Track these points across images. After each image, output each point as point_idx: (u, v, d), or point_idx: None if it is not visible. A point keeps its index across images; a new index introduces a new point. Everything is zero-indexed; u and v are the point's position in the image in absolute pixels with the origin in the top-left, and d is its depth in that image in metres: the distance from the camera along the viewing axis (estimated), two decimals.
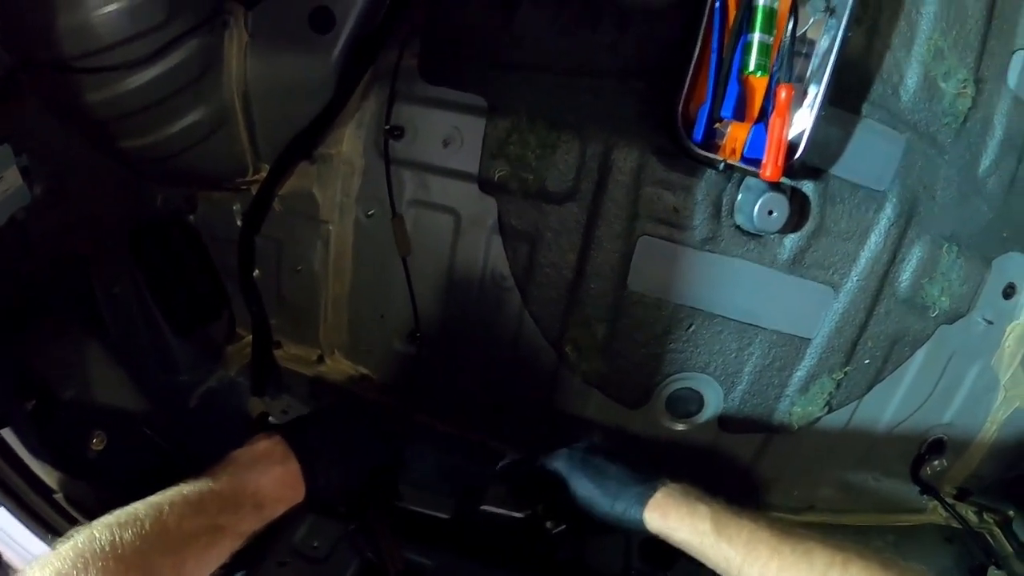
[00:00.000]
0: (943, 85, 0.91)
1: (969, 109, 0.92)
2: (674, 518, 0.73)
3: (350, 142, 0.91)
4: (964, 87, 0.91)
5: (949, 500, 1.16)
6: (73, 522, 0.74)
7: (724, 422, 1.01)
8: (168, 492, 0.62)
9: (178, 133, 0.87)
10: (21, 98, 0.78)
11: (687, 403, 1.00)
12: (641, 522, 0.75)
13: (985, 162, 0.95)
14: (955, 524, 1.14)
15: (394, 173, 0.89)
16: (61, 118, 0.82)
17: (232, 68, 0.87)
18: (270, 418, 0.95)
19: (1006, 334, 1.07)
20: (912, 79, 0.89)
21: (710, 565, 0.71)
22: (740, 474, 1.05)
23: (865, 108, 0.89)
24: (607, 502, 0.78)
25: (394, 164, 0.89)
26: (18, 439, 0.70)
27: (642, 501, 0.75)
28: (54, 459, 0.73)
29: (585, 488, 0.80)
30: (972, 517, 1.19)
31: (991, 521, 1.22)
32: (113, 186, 0.95)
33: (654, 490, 0.76)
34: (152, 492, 0.63)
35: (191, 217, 1.01)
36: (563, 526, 0.82)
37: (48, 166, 0.81)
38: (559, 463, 0.84)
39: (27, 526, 0.71)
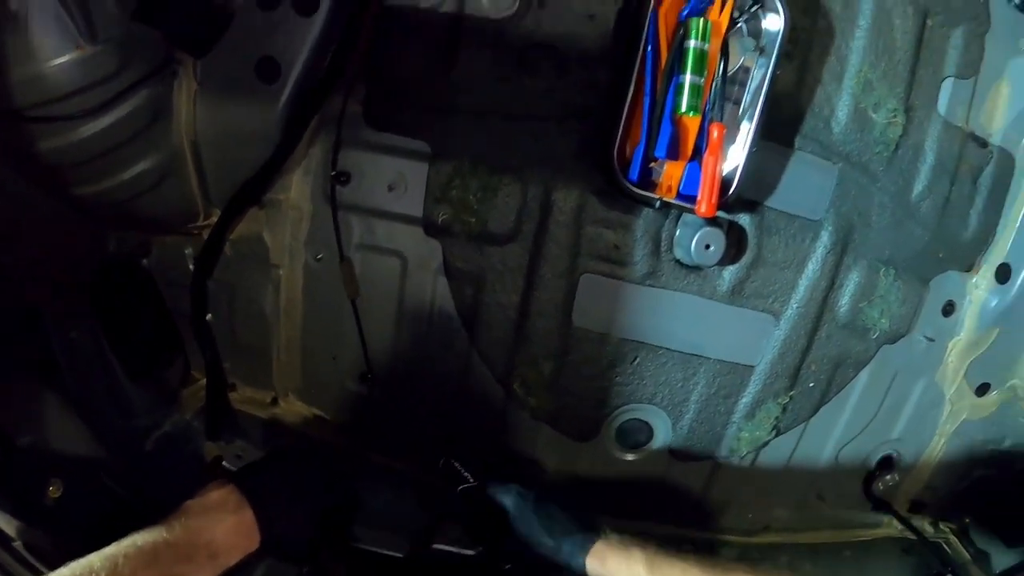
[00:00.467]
0: (873, 115, 0.95)
1: (900, 137, 0.96)
2: (612, 563, 0.78)
3: (298, 188, 0.92)
4: (894, 116, 0.95)
5: (903, 513, 1.19)
6: (32, 570, 0.74)
7: (674, 451, 1.03)
8: (123, 543, 0.63)
9: (130, 180, 0.88)
10: None
11: (636, 434, 1.02)
12: (583, 567, 0.80)
13: (918, 187, 0.99)
14: (911, 536, 1.17)
15: (341, 217, 0.91)
16: (15, 166, 0.83)
17: (182, 116, 0.89)
18: (224, 462, 0.95)
19: (948, 350, 1.11)
20: (843, 111, 0.93)
21: None
22: (694, 500, 1.07)
23: (798, 141, 0.93)
24: (552, 545, 0.82)
25: (341, 209, 0.90)
26: None
27: (585, 548, 0.80)
28: (12, 507, 0.73)
29: (533, 529, 0.83)
30: (928, 528, 1.23)
31: (947, 530, 1.25)
32: (66, 232, 0.95)
33: (595, 540, 0.81)
34: (111, 538, 0.63)
35: (144, 261, 1.02)
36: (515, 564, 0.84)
37: (1, 214, 0.82)
38: (509, 499, 0.86)
39: None
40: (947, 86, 0.96)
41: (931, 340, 1.07)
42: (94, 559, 0.60)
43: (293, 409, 1.03)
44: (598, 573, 0.80)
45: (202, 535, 0.69)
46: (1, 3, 0.69)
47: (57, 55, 0.74)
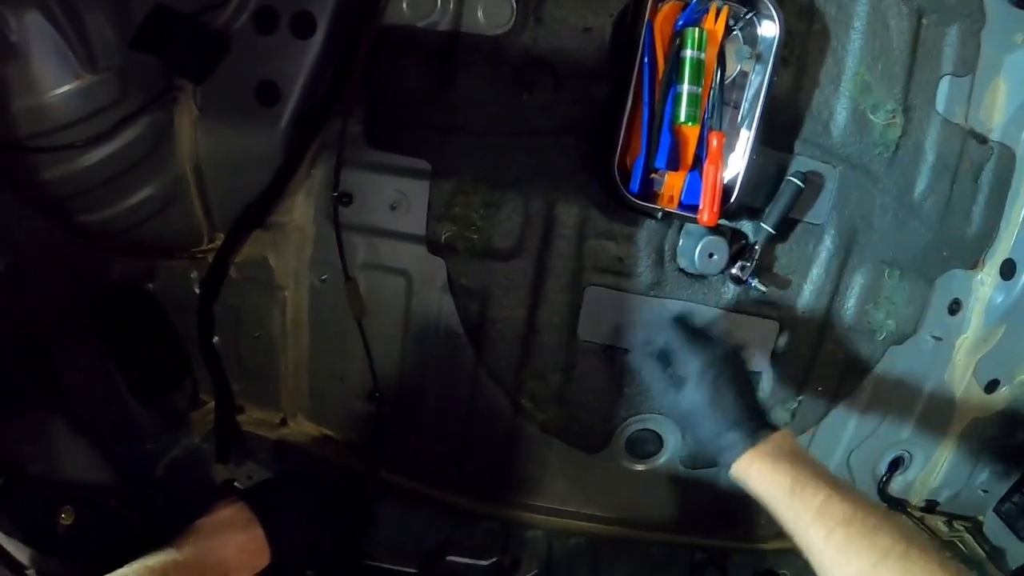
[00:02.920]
0: (872, 117, 0.95)
1: (900, 137, 0.96)
2: (755, 477, 0.74)
3: (301, 209, 0.93)
4: (893, 117, 0.95)
5: (917, 513, 1.18)
6: None
7: (684, 460, 1.03)
8: (133, 566, 0.63)
9: (134, 207, 0.89)
10: None
11: (646, 444, 1.02)
12: (728, 472, 0.77)
13: (920, 187, 0.99)
14: None
15: (345, 238, 0.91)
16: (18, 196, 0.84)
17: (184, 142, 0.90)
18: (235, 483, 0.95)
19: (956, 348, 1.10)
20: (842, 114, 0.93)
21: (780, 519, 0.72)
22: (706, 508, 1.06)
23: (798, 146, 0.93)
24: (712, 432, 0.77)
25: (344, 229, 0.91)
26: None
27: (742, 447, 0.75)
28: (24, 536, 0.74)
29: (699, 405, 0.78)
30: (942, 527, 1.22)
31: (962, 529, 1.24)
32: (71, 259, 0.96)
33: (755, 441, 0.75)
34: (123, 564, 0.63)
35: (150, 286, 1.02)
36: (534, 571, 0.84)
37: (6, 244, 0.83)
38: (692, 364, 0.79)
39: None
40: (944, 84, 0.96)
41: (938, 339, 1.07)
42: None
43: (302, 430, 1.03)
44: (742, 480, 0.75)
45: (213, 554, 0.69)
46: (1, 35, 0.70)
47: (57, 85, 0.75)
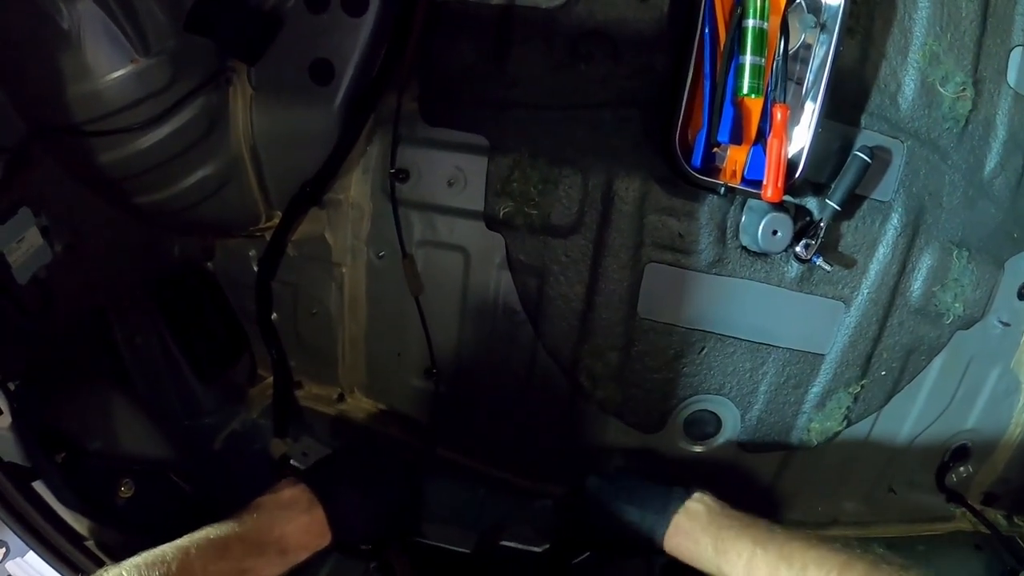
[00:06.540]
0: (941, 90, 0.91)
1: (970, 111, 0.92)
2: (683, 545, 0.77)
3: (358, 187, 0.94)
4: (963, 90, 0.91)
5: (977, 506, 1.14)
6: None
7: (743, 442, 1.01)
8: (195, 535, 0.64)
9: (191, 187, 0.91)
10: (38, 162, 0.81)
11: (704, 425, 1.00)
12: (663, 542, 0.79)
13: (990, 164, 0.95)
14: (984, 530, 1.12)
15: (402, 215, 0.92)
16: (78, 178, 0.86)
17: (239, 122, 0.91)
18: (291, 461, 0.97)
19: None
20: (909, 86, 0.90)
21: None
22: (762, 492, 1.04)
23: (864, 119, 0.90)
24: (637, 517, 0.80)
25: (401, 206, 0.91)
26: (49, 490, 0.72)
27: (666, 521, 0.78)
28: (84, 508, 0.75)
29: (614, 502, 0.81)
30: (1001, 522, 1.17)
31: (1021, 524, 1.20)
32: (131, 239, 0.99)
33: (675, 512, 0.78)
34: (181, 535, 0.65)
35: (209, 264, 1.05)
36: (585, 555, 0.83)
37: (66, 224, 0.85)
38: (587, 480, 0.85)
39: (60, 573, 0.73)
40: (1016, 56, 0.91)
41: (1006, 325, 1.02)
42: (167, 549, 0.61)
43: (359, 405, 1.04)
44: (674, 550, 0.78)
45: (273, 531, 0.70)
46: (53, 22, 0.71)
47: (112, 70, 0.76)
